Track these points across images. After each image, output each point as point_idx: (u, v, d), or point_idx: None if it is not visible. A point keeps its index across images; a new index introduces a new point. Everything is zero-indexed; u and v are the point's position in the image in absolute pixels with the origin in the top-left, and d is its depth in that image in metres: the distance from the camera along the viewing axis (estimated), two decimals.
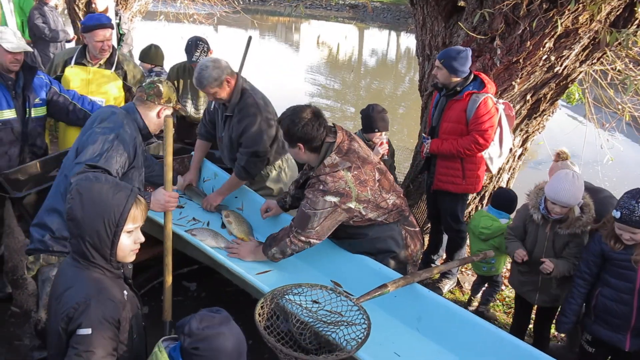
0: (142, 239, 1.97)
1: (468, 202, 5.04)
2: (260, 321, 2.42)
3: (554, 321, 3.61)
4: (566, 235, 3.23)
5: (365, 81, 16.82)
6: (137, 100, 3.04)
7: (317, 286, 2.76)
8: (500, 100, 4.06)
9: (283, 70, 15.83)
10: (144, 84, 3.07)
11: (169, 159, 2.76)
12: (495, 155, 4.10)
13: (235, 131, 3.61)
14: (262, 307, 2.49)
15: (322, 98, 13.25)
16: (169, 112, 3.06)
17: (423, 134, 4.26)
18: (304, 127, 2.93)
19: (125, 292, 1.95)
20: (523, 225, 3.38)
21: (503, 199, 3.90)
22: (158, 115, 3.03)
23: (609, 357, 3.24)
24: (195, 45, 4.48)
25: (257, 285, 2.84)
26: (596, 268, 3.06)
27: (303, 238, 2.99)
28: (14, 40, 3.54)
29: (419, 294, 2.94)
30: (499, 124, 3.98)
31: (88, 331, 1.75)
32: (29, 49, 3.71)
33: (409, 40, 24.24)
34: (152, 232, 3.29)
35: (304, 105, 3.06)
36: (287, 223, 3.45)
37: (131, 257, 1.97)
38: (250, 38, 5.59)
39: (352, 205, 2.96)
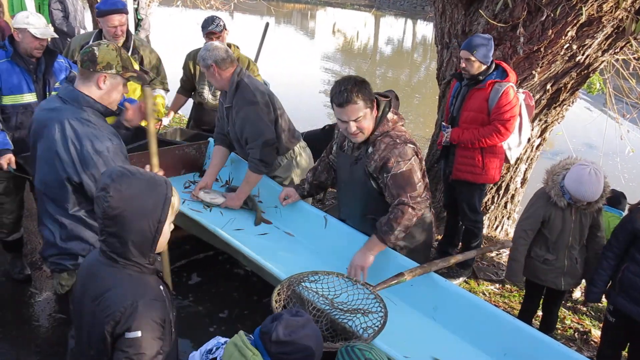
0: (172, 226, 1.93)
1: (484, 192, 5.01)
2: (277, 308, 2.42)
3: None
4: (591, 212, 3.34)
5: (380, 70, 16.71)
6: (77, 75, 2.57)
7: (334, 274, 2.77)
8: (521, 90, 4.02)
9: (298, 57, 15.79)
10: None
11: (153, 147, 2.73)
12: (514, 144, 4.07)
13: (237, 125, 3.60)
14: (278, 293, 2.50)
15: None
16: (112, 79, 2.55)
17: (443, 123, 4.23)
18: (368, 84, 2.88)
19: (161, 287, 1.91)
20: (543, 212, 3.37)
21: (617, 199, 4.10)
22: (98, 85, 2.51)
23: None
24: (211, 20, 4.49)
25: (273, 272, 2.84)
26: (626, 244, 3.16)
27: (420, 199, 2.88)
28: (41, 26, 3.56)
29: (435, 283, 2.93)
30: (519, 113, 3.94)
31: (137, 334, 1.72)
32: (55, 35, 3.73)
33: (425, 29, 24.03)
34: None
35: (347, 75, 2.97)
36: (306, 210, 3.46)
37: (165, 246, 1.94)
38: (267, 24, 5.62)
39: (419, 156, 2.97)
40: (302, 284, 2.66)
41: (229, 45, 4.67)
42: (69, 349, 2.21)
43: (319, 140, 5.60)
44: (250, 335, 1.85)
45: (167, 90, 4.62)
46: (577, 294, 4.41)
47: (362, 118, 2.84)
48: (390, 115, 2.96)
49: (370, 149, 2.93)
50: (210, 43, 3.62)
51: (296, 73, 12.85)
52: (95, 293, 1.80)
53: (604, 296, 3.38)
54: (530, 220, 3.42)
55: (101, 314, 1.76)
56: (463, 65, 3.88)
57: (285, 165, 3.86)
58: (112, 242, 1.79)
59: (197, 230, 3.46)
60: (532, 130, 4.78)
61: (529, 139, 4.76)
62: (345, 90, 2.80)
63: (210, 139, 4.14)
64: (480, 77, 3.88)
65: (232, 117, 3.63)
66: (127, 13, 4.23)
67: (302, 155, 3.93)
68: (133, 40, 4.34)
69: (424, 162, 3.04)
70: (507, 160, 4.19)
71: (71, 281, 2.63)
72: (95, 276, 1.84)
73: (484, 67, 3.85)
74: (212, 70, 3.51)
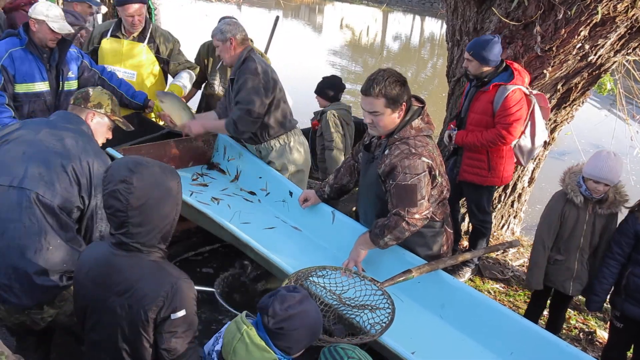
0: None
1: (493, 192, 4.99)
2: None
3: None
4: (606, 215, 3.27)
5: (387, 66, 16.57)
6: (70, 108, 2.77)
7: (341, 269, 2.76)
8: (534, 92, 3.94)
9: (305, 52, 15.74)
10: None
11: None
12: (526, 148, 4.01)
13: (235, 92, 3.66)
14: None
15: (343, 81, 13.13)
16: (100, 119, 2.74)
17: (451, 125, 4.21)
18: (405, 83, 2.80)
19: None
20: (560, 213, 3.33)
21: None
22: (86, 121, 2.70)
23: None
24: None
25: (281, 266, 2.84)
26: (628, 248, 3.13)
27: (418, 216, 2.77)
28: (60, 19, 3.56)
29: (443, 280, 2.93)
30: (532, 116, 3.88)
31: (183, 312, 1.82)
32: (72, 30, 3.73)
33: (433, 26, 23.94)
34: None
35: (387, 68, 2.90)
36: (326, 212, 3.42)
37: None
38: (277, 18, 5.63)
39: (436, 173, 2.85)
40: (310, 278, 2.66)
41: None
42: (86, 345, 2.10)
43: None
44: (253, 317, 1.90)
45: (194, 68, 4.62)
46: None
47: (380, 115, 2.79)
48: (416, 123, 2.83)
49: (386, 151, 2.86)
50: (230, 19, 3.69)
51: (303, 67, 12.80)
52: (122, 287, 1.84)
53: (607, 302, 3.36)
54: (548, 220, 3.37)
55: (138, 304, 1.81)
56: (465, 64, 3.91)
57: (279, 150, 3.87)
58: (136, 233, 1.81)
59: (204, 222, 3.46)
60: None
61: (545, 142, 4.71)
62: (371, 81, 2.77)
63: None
64: (486, 80, 3.85)
65: (234, 88, 3.67)
66: (145, 3, 4.22)
67: (297, 145, 3.94)
68: (151, 29, 4.34)
69: (441, 178, 2.92)
70: (520, 162, 4.13)
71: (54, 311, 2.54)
72: (115, 270, 1.86)
73: (485, 68, 3.81)
74: (229, 44, 3.60)
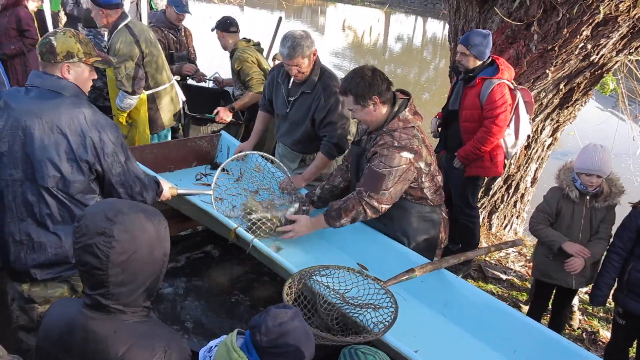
0: None
1: (494, 191, 5.00)
2: (287, 301, 2.44)
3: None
4: (603, 208, 3.30)
5: (389, 67, 16.66)
6: (40, 69, 2.45)
7: (344, 268, 2.77)
8: (519, 87, 4.00)
9: None
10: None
11: None
12: (510, 141, 4.05)
13: (319, 110, 3.55)
14: (289, 287, 2.51)
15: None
16: (76, 68, 2.44)
17: (436, 116, 4.30)
18: (372, 79, 2.87)
19: None
20: (556, 209, 3.38)
21: None
22: (63, 76, 2.41)
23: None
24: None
25: (284, 265, 2.85)
26: (630, 243, 3.15)
27: (375, 203, 2.87)
28: None
29: (446, 279, 2.94)
30: (516, 111, 3.94)
31: None
32: None
33: (435, 27, 23.95)
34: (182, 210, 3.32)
35: (360, 66, 3.00)
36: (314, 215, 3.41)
37: None
38: (280, 18, 5.66)
39: (422, 165, 2.94)
40: (313, 277, 2.67)
41: (248, 40, 4.71)
42: None
43: None
44: (244, 333, 1.81)
45: (129, 92, 4.28)
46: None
47: (355, 111, 2.98)
48: (403, 115, 2.93)
49: (373, 141, 2.99)
50: (295, 32, 3.46)
51: None
52: (101, 357, 1.53)
53: (610, 298, 3.37)
54: (543, 210, 3.43)
55: None
56: (458, 58, 3.95)
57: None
58: (118, 293, 1.53)
59: (208, 222, 3.47)
60: (544, 130, 4.78)
61: (534, 137, 4.75)
62: (342, 81, 2.99)
63: (222, 132, 4.16)
64: (471, 74, 3.92)
65: (309, 102, 3.58)
66: (103, 7, 4.13)
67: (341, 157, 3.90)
68: (114, 33, 4.23)
69: (428, 167, 2.98)
70: (506, 155, 4.18)
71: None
72: (94, 338, 1.54)
73: (479, 62, 3.89)
74: (312, 56, 3.50)
